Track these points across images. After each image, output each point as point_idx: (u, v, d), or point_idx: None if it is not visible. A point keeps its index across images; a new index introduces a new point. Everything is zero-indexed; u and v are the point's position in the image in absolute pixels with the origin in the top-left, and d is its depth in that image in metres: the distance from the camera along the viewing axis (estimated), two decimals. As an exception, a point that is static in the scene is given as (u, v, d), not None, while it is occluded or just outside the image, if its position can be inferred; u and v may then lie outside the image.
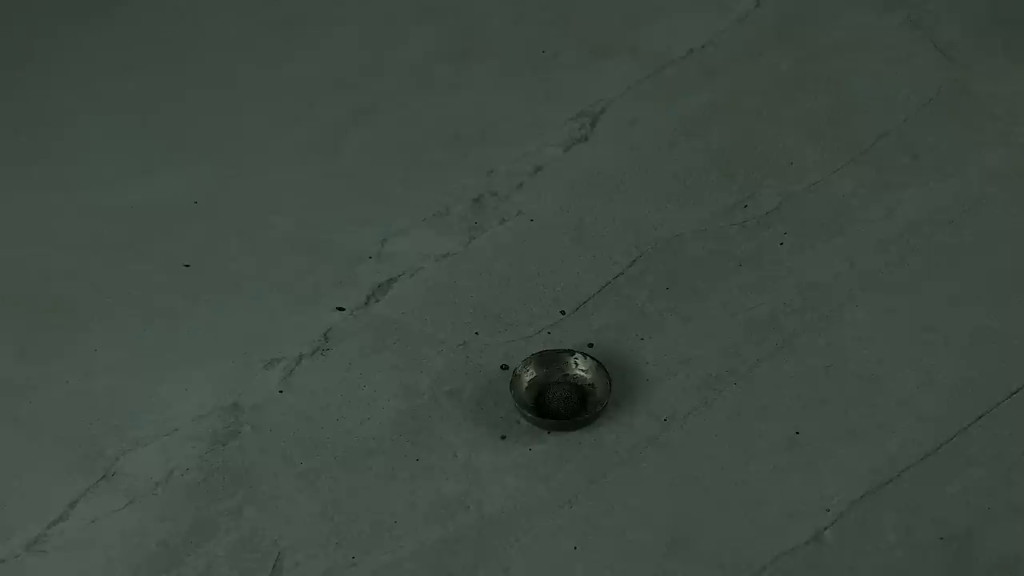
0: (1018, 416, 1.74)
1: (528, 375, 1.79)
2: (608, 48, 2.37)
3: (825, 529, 1.62)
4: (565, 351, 1.82)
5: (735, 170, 2.11)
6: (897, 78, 2.26)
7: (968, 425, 1.72)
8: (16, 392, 1.84)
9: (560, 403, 1.78)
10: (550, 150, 2.18)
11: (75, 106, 2.31)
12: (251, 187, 2.15)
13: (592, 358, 1.80)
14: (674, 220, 2.03)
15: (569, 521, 1.65)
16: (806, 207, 2.04)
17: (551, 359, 1.81)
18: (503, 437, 1.74)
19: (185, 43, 2.45)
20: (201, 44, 2.45)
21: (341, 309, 1.93)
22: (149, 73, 2.38)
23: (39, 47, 2.43)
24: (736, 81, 2.28)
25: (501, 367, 1.83)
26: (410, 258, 2.00)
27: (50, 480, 1.72)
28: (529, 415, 1.74)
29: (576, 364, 1.81)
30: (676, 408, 1.77)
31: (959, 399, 1.76)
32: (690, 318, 1.88)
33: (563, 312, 1.91)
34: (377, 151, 2.21)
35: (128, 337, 1.91)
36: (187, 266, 2.01)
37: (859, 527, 1.62)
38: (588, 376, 1.79)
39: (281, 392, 1.82)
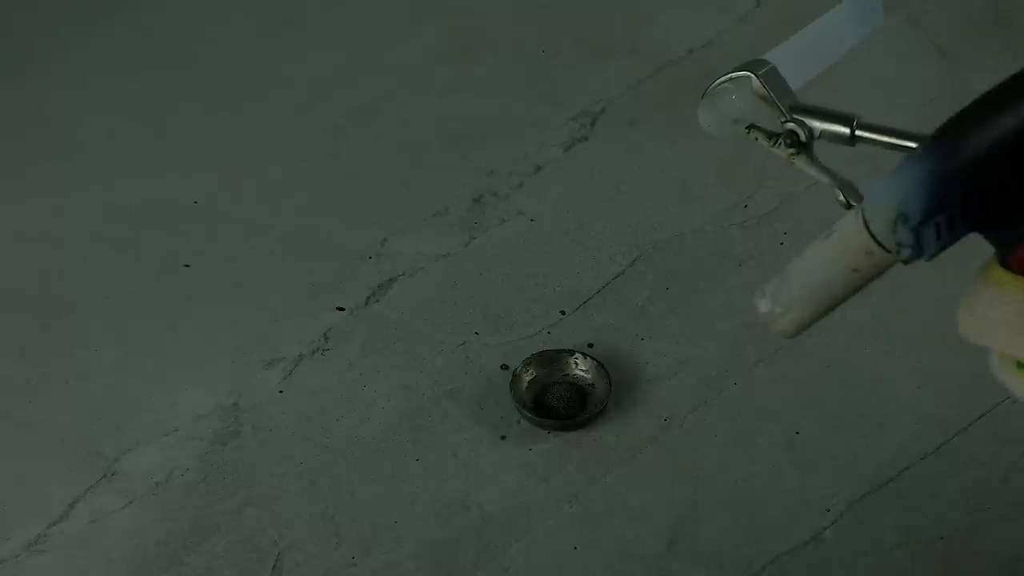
0: (1018, 416, 1.74)
1: (528, 375, 1.79)
2: (608, 48, 2.37)
3: (825, 529, 1.62)
4: (565, 351, 1.82)
5: (735, 170, 2.11)
6: (897, 78, 2.26)
7: (968, 425, 1.72)
8: (16, 392, 1.84)
9: (560, 403, 1.78)
10: (550, 150, 2.17)
11: (75, 106, 2.31)
12: (251, 187, 2.15)
13: (592, 358, 1.80)
14: (674, 220, 2.03)
15: (569, 521, 1.65)
16: (806, 207, 2.04)
17: (551, 359, 1.81)
18: (503, 437, 1.74)
19: (185, 43, 2.45)
20: (201, 44, 2.45)
21: (341, 309, 1.93)
22: (149, 73, 2.38)
23: (39, 47, 2.43)
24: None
25: (501, 367, 1.83)
26: (410, 258, 2.00)
27: (50, 480, 1.72)
28: (529, 415, 1.74)
29: (576, 364, 1.81)
30: (676, 408, 1.77)
31: (959, 399, 1.76)
32: (690, 318, 1.88)
33: (563, 312, 1.91)
34: (377, 151, 2.21)
35: (128, 337, 1.91)
36: (187, 266, 2.01)
37: (859, 527, 1.62)
38: (588, 376, 1.79)
39: (281, 392, 1.82)
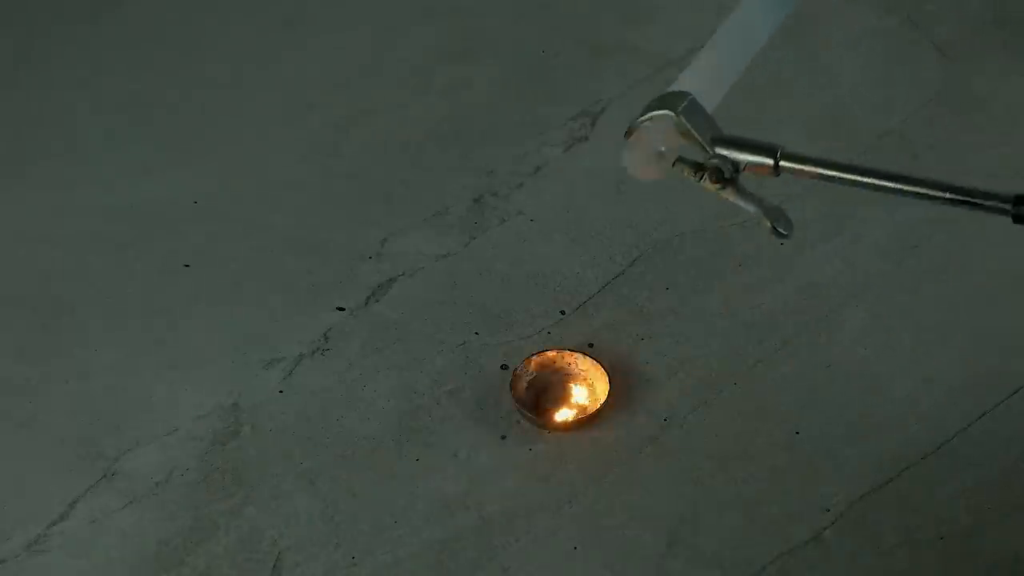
0: (1018, 416, 1.74)
1: (528, 375, 1.79)
2: (608, 48, 2.37)
3: (825, 529, 1.62)
4: (565, 351, 1.81)
5: (735, 170, 2.10)
6: (897, 78, 2.26)
7: (968, 425, 1.72)
8: (16, 392, 1.84)
9: (559, 403, 1.77)
10: (550, 150, 2.17)
11: (75, 106, 2.31)
12: (251, 187, 2.15)
13: (592, 358, 1.80)
14: (674, 220, 2.03)
15: (569, 521, 1.65)
16: (806, 207, 2.04)
17: (551, 359, 1.81)
18: (503, 437, 1.74)
19: (185, 43, 2.45)
20: (201, 44, 2.45)
21: (341, 309, 1.93)
22: (149, 73, 2.38)
23: (39, 47, 2.43)
24: (735, 80, 2.27)
25: (501, 367, 1.83)
26: (410, 258, 2.00)
27: (50, 480, 1.73)
28: (529, 415, 1.74)
29: (576, 364, 1.81)
30: (676, 408, 1.77)
31: (959, 399, 1.76)
32: (690, 318, 1.88)
33: (563, 312, 1.91)
34: (377, 151, 2.21)
35: (128, 337, 1.91)
36: (187, 266, 2.01)
37: (859, 527, 1.62)
38: (588, 376, 1.79)
39: (281, 392, 1.82)
